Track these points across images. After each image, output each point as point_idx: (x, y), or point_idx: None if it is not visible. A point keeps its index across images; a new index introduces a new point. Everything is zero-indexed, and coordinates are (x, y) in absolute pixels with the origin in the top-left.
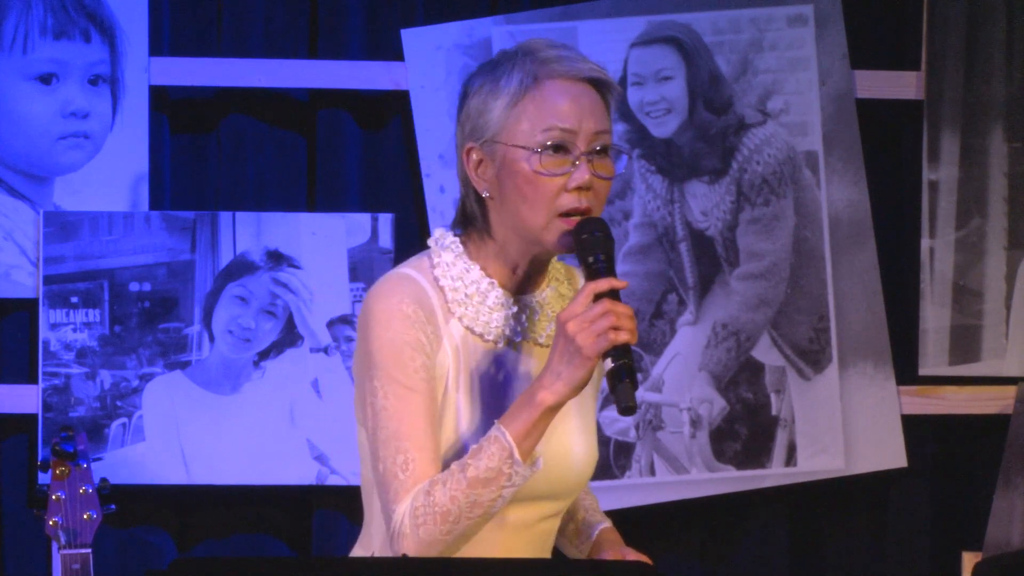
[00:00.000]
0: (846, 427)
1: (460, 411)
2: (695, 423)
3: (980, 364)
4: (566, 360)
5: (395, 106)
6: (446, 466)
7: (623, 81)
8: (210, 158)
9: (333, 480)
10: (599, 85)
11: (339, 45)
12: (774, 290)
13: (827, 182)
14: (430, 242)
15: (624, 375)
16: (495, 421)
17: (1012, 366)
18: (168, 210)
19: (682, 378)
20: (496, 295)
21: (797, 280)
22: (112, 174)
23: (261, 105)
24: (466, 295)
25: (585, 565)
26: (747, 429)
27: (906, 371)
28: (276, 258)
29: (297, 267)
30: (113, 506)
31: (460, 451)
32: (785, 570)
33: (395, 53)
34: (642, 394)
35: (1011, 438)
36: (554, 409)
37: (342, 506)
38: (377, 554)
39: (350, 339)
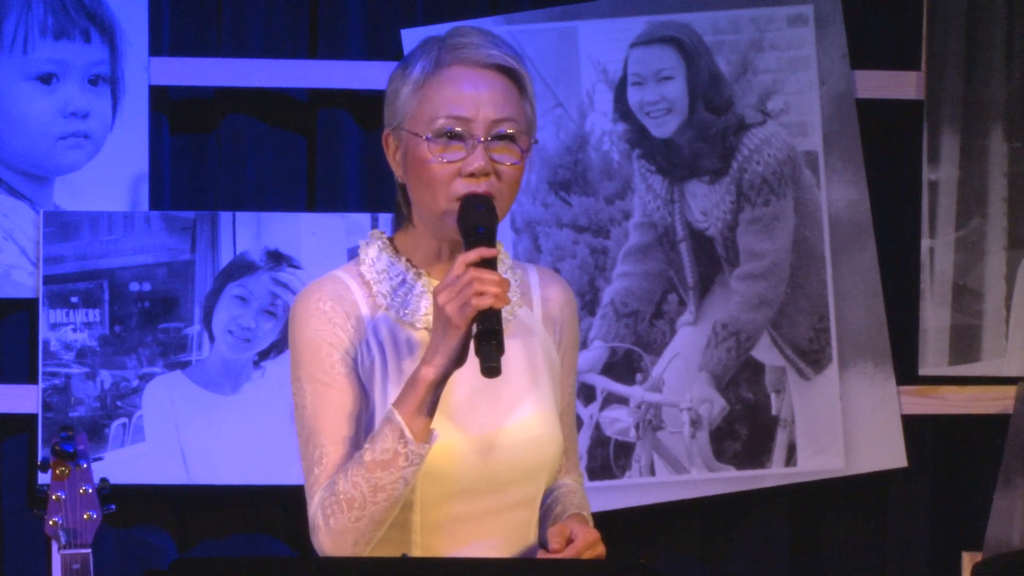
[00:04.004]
0: (846, 427)
1: (390, 401)
2: (695, 423)
3: (980, 364)
4: (441, 332)
5: None
6: None
7: (623, 81)
8: (210, 158)
9: None
10: (510, 73)
11: (339, 45)
12: (774, 290)
13: (827, 182)
14: (361, 242)
15: (490, 337)
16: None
17: (1012, 366)
18: (168, 210)
19: (682, 378)
20: (423, 283)
21: (797, 280)
22: (112, 174)
23: (261, 105)
24: (391, 287)
25: (585, 565)
26: (747, 429)
27: (906, 371)
28: (276, 258)
29: (297, 267)
30: (113, 506)
31: None
32: (785, 570)
33: (395, 53)
34: (642, 394)
35: (1011, 438)
36: (438, 383)
37: None
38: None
39: None
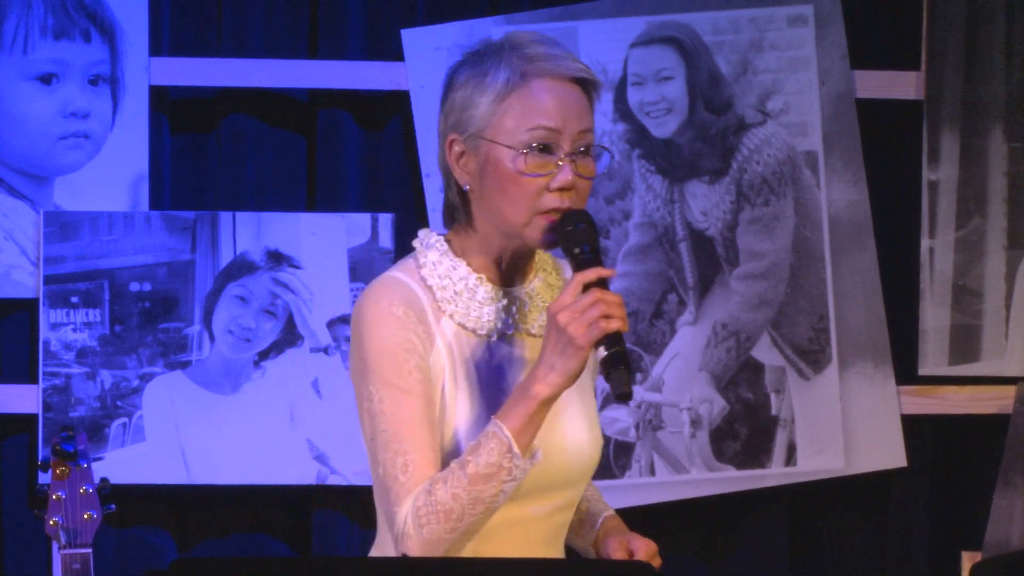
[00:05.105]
0: (846, 427)
1: (459, 408)
2: (695, 423)
3: (980, 364)
4: (559, 351)
5: (395, 106)
6: (449, 463)
7: (623, 81)
8: (210, 158)
9: (333, 480)
10: (584, 84)
11: (339, 45)
12: (774, 290)
13: (827, 182)
14: (415, 243)
15: (618, 362)
16: (492, 416)
17: (1012, 366)
18: (168, 210)
19: (682, 378)
20: (485, 289)
21: (797, 280)
22: (112, 174)
23: (261, 105)
24: (455, 292)
25: (585, 565)
26: (747, 429)
27: (906, 371)
28: (276, 258)
29: (297, 267)
30: (113, 506)
31: (462, 447)
32: (785, 570)
33: (395, 53)
34: (642, 394)
35: (1011, 438)
36: (550, 401)
37: (342, 506)
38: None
39: (350, 339)
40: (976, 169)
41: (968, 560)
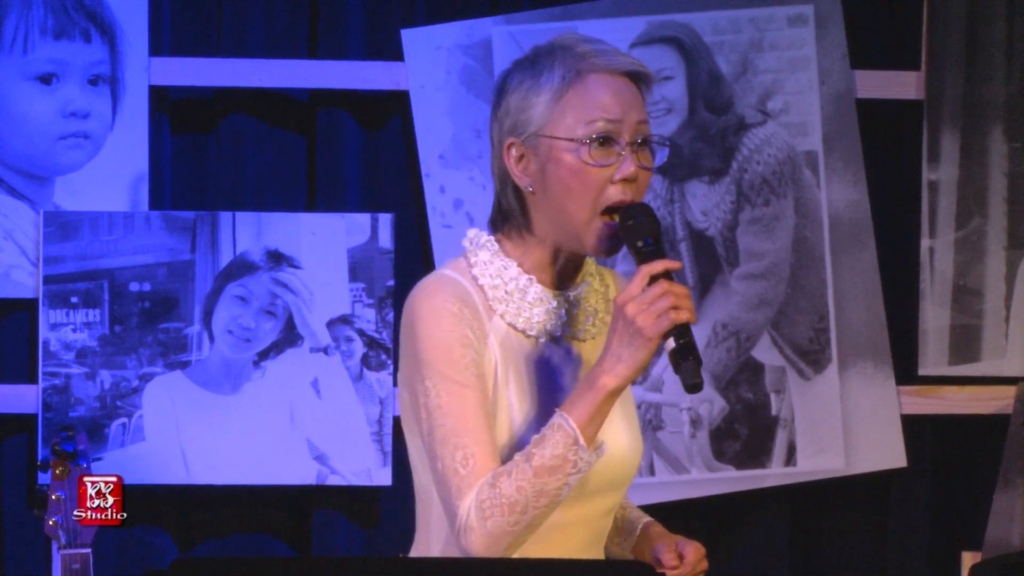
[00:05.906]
0: (846, 427)
1: (512, 406)
2: (695, 423)
3: (980, 364)
4: (626, 342)
5: (395, 106)
6: (502, 462)
7: None
8: (210, 158)
9: (333, 480)
10: (637, 78)
11: (339, 45)
12: (774, 290)
13: (827, 182)
14: (465, 243)
15: (688, 353)
16: (555, 409)
17: (1012, 366)
18: (168, 210)
19: None
20: (536, 291)
21: (797, 280)
22: (112, 174)
23: (261, 105)
24: (506, 292)
25: (585, 565)
26: (747, 429)
27: (906, 371)
28: (276, 258)
29: (297, 267)
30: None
31: (514, 446)
32: (785, 570)
33: (395, 53)
34: (642, 394)
35: (1011, 438)
36: (616, 393)
37: (342, 506)
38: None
39: (350, 339)
40: (976, 169)
41: (968, 560)
